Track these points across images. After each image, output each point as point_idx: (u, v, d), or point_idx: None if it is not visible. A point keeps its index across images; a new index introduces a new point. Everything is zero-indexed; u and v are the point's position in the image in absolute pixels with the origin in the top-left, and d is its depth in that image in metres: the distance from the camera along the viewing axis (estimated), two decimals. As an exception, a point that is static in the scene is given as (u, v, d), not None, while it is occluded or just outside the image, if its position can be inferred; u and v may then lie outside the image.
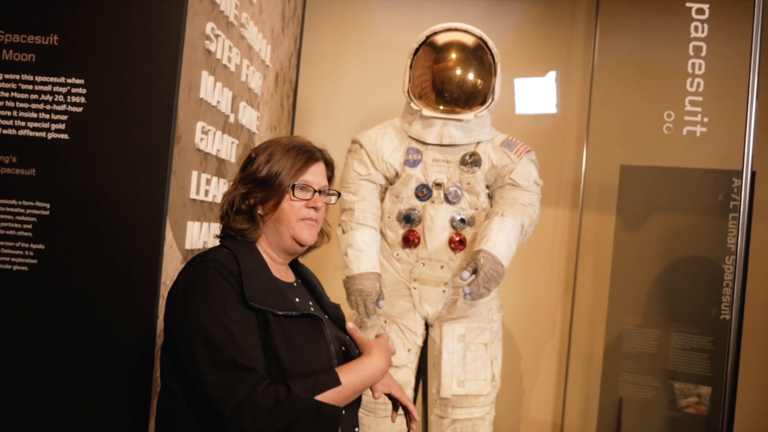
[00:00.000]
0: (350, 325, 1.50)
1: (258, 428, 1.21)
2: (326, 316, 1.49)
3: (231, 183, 1.48)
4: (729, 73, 2.61)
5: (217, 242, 1.49)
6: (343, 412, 1.29)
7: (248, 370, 1.25)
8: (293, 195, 1.41)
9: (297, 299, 1.45)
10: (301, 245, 1.45)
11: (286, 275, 1.50)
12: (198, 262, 1.36)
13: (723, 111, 2.64)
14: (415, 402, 2.46)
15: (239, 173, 1.47)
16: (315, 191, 1.44)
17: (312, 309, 1.45)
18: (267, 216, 1.42)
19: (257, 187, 1.41)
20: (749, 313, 2.96)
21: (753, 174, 2.92)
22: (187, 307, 1.31)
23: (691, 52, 2.62)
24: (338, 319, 1.53)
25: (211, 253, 1.37)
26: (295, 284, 1.50)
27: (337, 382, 1.30)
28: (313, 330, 1.40)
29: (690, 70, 2.62)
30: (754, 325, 2.98)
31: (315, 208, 1.44)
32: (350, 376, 1.33)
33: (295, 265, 1.56)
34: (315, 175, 1.45)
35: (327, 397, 1.28)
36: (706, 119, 2.61)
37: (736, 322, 2.43)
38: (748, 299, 2.96)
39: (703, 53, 2.61)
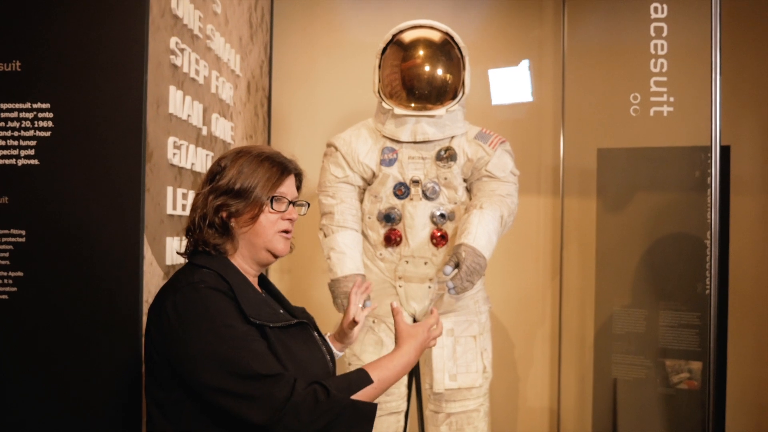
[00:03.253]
0: (394, 304, 1.51)
1: (300, 428, 1.22)
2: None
3: (197, 194, 1.43)
4: (691, 52, 2.63)
5: (180, 259, 1.47)
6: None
7: (275, 375, 1.25)
8: (271, 208, 1.40)
9: (280, 310, 1.47)
10: (275, 257, 1.45)
11: (257, 287, 1.50)
12: (185, 285, 1.31)
13: (688, 89, 2.66)
14: (409, 399, 2.48)
15: (206, 184, 1.42)
16: (289, 203, 1.44)
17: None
18: (242, 229, 1.40)
19: (231, 199, 1.38)
20: (734, 286, 2.99)
21: (727, 148, 2.95)
22: (187, 334, 1.27)
23: (652, 33, 2.64)
24: (310, 322, 1.54)
25: (196, 275, 1.33)
26: (264, 295, 1.51)
27: (369, 381, 1.33)
28: (304, 337, 1.42)
29: (653, 51, 2.64)
30: (739, 298, 3.01)
31: (290, 220, 1.44)
32: (382, 372, 1.36)
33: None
34: (289, 186, 1.45)
35: (361, 395, 1.31)
36: (672, 99, 2.63)
37: (716, 297, 2.46)
38: (732, 273, 2.99)
39: (665, 33, 2.63)
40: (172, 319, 1.28)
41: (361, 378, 1.33)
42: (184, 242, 1.45)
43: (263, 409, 1.22)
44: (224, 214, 1.39)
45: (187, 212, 2.05)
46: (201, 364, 1.25)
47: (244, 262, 1.44)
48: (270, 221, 1.41)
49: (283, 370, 1.27)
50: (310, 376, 1.33)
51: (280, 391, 1.23)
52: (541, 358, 3.28)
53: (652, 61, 2.62)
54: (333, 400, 1.25)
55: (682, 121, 2.72)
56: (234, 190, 1.38)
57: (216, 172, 1.42)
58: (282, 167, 1.44)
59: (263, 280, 1.55)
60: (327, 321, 3.12)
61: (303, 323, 1.43)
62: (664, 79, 2.62)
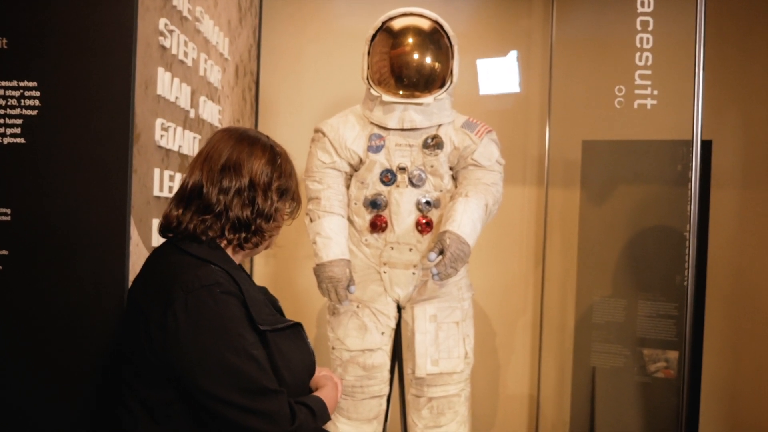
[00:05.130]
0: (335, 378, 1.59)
1: None
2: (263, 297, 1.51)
3: (228, 197, 1.39)
4: (676, 46, 2.66)
5: (160, 239, 1.47)
6: None
7: (278, 393, 1.29)
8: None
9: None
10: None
11: None
12: (199, 288, 1.28)
13: (672, 83, 2.70)
14: (391, 383, 2.51)
15: (271, 178, 1.41)
16: None
17: None
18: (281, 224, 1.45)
19: (287, 199, 1.45)
20: (712, 278, 3.05)
21: (709, 143, 2.99)
22: (198, 340, 1.25)
23: (638, 27, 2.68)
24: (272, 302, 1.54)
25: (209, 275, 1.30)
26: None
27: (328, 418, 1.43)
28: (296, 337, 1.44)
29: (638, 45, 2.68)
30: (717, 290, 3.07)
31: None
32: (330, 404, 1.45)
33: None
34: None
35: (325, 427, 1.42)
36: (655, 92, 2.67)
37: (693, 288, 2.51)
38: (710, 265, 3.05)
39: (650, 27, 2.67)
40: (181, 321, 1.25)
41: (325, 414, 1.41)
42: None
43: (273, 424, 1.26)
44: (276, 213, 1.44)
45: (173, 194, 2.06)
46: (209, 373, 1.25)
47: (243, 255, 1.46)
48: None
49: (281, 388, 1.31)
50: (299, 382, 1.39)
51: (284, 407, 1.28)
52: (522, 346, 3.33)
53: (638, 54, 2.66)
54: (318, 427, 1.35)
55: (665, 114, 2.76)
56: (291, 191, 1.45)
57: (272, 171, 1.43)
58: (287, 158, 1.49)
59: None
60: (311, 306, 3.16)
61: (297, 325, 1.46)
62: (649, 72, 2.66)
